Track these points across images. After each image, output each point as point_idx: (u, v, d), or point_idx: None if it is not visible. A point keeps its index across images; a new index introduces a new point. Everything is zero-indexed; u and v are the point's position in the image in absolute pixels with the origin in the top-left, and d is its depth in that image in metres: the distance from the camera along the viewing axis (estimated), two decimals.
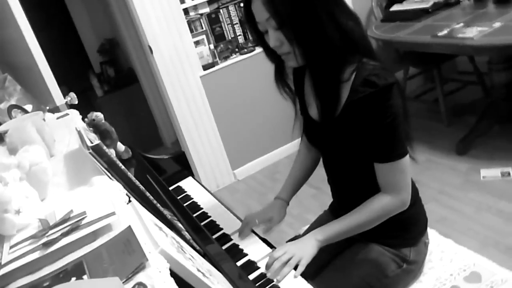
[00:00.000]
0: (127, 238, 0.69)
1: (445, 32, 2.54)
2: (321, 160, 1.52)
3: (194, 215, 1.59)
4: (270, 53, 1.23)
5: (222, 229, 1.48)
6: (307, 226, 1.62)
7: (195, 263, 0.79)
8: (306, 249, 1.19)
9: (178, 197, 1.74)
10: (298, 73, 1.34)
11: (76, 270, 0.66)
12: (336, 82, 1.14)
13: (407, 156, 1.17)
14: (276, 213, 1.44)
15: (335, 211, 1.49)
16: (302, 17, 1.08)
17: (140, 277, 0.60)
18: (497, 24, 2.40)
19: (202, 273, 0.77)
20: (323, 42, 1.10)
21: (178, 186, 1.86)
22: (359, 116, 1.13)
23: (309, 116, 1.32)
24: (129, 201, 0.87)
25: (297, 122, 1.38)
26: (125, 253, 0.66)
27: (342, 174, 1.35)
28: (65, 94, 2.07)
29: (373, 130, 1.13)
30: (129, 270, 0.61)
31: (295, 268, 1.18)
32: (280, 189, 1.52)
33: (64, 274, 0.66)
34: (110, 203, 0.81)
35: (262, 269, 1.24)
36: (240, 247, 1.36)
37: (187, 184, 1.86)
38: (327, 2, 1.10)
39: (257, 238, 1.39)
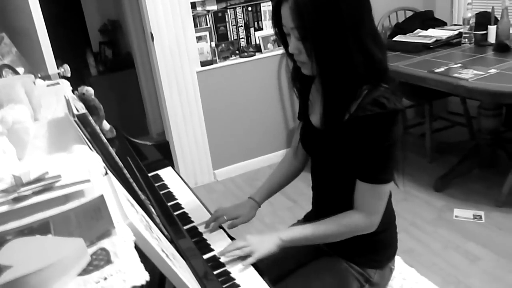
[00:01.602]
0: (98, 206, 0.69)
1: (442, 69, 2.60)
2: (302, 172, 1.53)
3: (168, 204, 1.58)
4: (290, 54, 1.20)
5: (193, 222, 1.48)
6: None
7: (160, 244, 0.79)
8: (264, 245, 1.21)
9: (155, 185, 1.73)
10: (306, 77, 1.29)
11: (42, 229, 0.66)
12: (348, 101, 1.14)
13: (390, 184, 1.17)
14: (246, 212, 1.45)
15: (310, 221, 1.50)
16: (328, 36, 1.06)
17: (104, 243, 0.60)
18: (492, 70, 2.46)
19: (166, 254, 0.77)
20: (345, 65, 1.09)
21: (157, 174, 1.85)
22: (360, 132, 1.12)
23: (309, 122, 1.31)
24: (106, 173, 0.87)
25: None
26: (93, 219, 0.66)
27: (327, 183, 1.35)
28: (59, 66, 2.06)
29: (369, 149, 1.13)
30: (95, 236, 0.62)
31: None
32: (256, 190, 1.52)
33: (29, 231, 0.66)
34: (86, 171, 0.81)
35: (227, 267, 1.24)
36: (207, 241, 1.36)
37: (166, 174, 1.86)
38: (357, 27, 1.07)
39: (226, 235, 1.39)
